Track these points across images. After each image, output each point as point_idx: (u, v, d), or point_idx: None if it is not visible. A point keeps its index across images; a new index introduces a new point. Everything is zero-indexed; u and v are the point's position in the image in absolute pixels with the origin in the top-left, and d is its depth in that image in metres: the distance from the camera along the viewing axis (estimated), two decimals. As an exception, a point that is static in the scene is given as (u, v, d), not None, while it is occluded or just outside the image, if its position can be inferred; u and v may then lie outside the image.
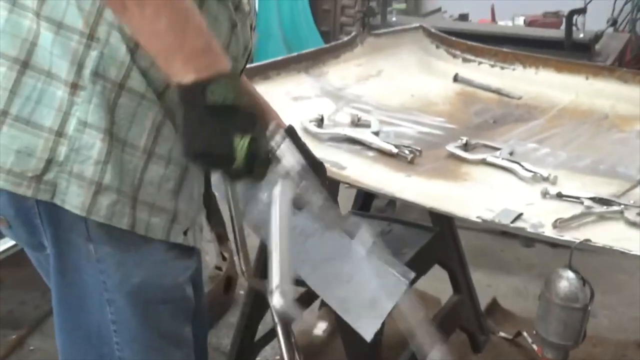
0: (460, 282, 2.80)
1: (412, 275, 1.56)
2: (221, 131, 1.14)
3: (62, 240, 1.27)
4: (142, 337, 1.35)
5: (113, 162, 1.22)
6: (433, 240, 2.54)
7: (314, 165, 1.70)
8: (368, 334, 1.55)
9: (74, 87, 1.20)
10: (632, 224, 1.63)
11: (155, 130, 1.26)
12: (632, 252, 1.48)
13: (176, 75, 1.13)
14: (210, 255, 3.24)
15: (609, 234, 1.60)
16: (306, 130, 2.15)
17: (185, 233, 1.35)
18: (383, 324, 2.29)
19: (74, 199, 1.21)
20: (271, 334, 2.59)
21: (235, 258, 1.67)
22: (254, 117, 1.18)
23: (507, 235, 3.83)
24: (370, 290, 1.56)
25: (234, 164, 1.16)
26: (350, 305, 1.57)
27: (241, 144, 1.14)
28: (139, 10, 1.09)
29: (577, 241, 1.53)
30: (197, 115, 1.13)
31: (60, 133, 1.21)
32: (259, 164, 1.20)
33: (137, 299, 1.31)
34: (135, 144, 1.24)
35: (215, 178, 1.70)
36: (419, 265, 2.47)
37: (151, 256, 1.31)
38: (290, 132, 1.70)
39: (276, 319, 1.65)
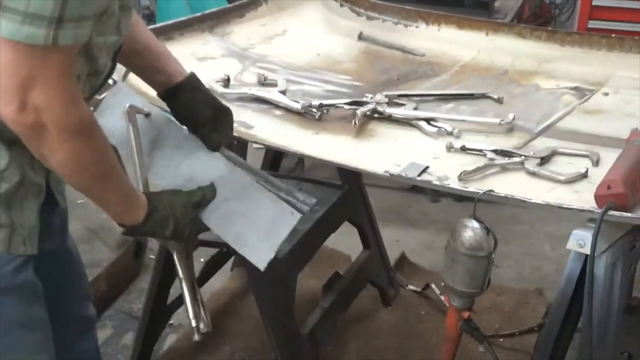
0: (370, 238, 2.85)
1: (314, 200, 1.63)
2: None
3: None
4: None
5: None
6: (342, 198, 2.58)
7: (221, 111, 1.70)
8: (261, 264, 1.58)
9: None
10: (532, 174, 1.69)
11: None
12: (531, 201, 1.53)
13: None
14: (118, 221, 3.19)
15: (510, 184, 1.65)
16: (213, 91, 2.11)
17: (24, 243, 1.39)
18: (295, 283, 2.33)
19: None
20: (182, 298, 2.58)
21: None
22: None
23: (414, 192, 3.92)
24: (266, 221, 1.60)
25: None
26: (247, 238, 1.60)
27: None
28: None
29: (481, 192, 1.57)
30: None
31: None
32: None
33: None
34: None
35: (118, 137, 1.67)
36: (329, 222, 2.51)
37: None
38: (193, 79, 1.70)
39: (181, 275, 1.65)
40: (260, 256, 1.58)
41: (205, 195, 1.59)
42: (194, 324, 1.61)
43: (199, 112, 1.68)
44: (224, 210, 1.61)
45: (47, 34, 1.16)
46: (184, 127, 1.70)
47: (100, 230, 3.09)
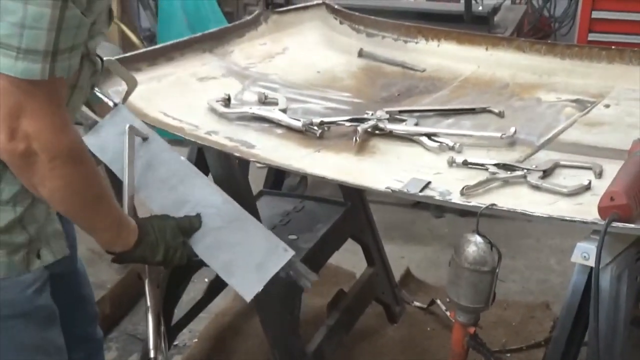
0: (374, 255, 2.85)
1: (315, 277, 1.73)
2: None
3: None
4: None
5: None
6: (345, 215, 2.58)
7: None
8: (249, 295, 1.59)
9: None
10: (535, 187, 1.69)
11: None
12: (534, 214, 1.52)
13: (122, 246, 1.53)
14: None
15: (513, 198, 1.64)
16: (213, 110, 2.12)
17: (38, 256, 1.41)
18: (300, 301, 2.32)
19: None
20: (187, 319, 2.57)
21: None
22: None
23: (417, 207, 3.91)
24: (257, 254, 1.62)
25: None
26: (235, 269, 1.61)
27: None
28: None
29: (483, 206, 1.56)
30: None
31: None
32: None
33: None
34: None
35: (111, 155, 1.69)
36: (332, 240, 2.50)
37: None
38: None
39: (148, 303, 1.66)
40: (248, 288, 1.59)
41: (192, 223, 1.59)
42: (152, 355, 1.63)
43: None
44: (215, 239, 1.62)
45: (43, 67, 1.18)
46: (182, 157, 1.72)
47: (104, 252, 3.08)
